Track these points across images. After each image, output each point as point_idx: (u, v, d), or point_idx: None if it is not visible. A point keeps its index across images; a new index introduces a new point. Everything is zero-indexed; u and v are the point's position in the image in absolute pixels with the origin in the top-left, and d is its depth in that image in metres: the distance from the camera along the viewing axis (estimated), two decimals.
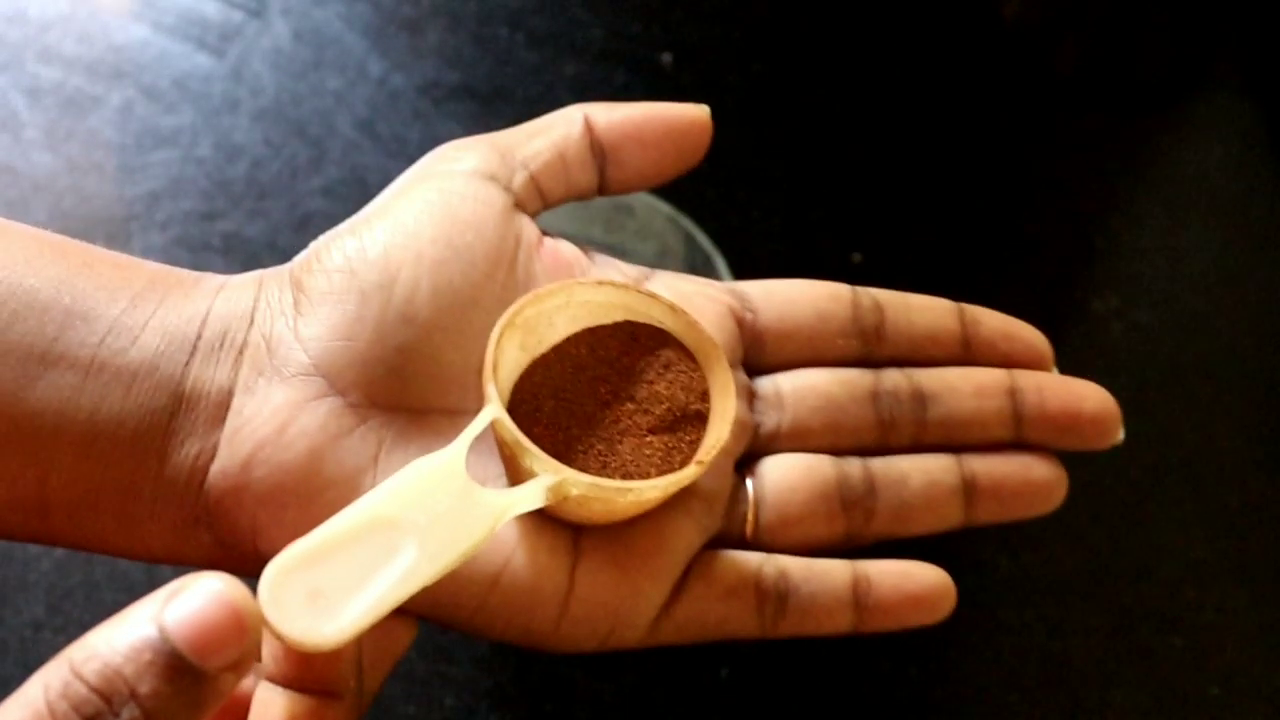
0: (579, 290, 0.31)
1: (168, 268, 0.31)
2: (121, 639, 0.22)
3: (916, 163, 0.60)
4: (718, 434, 0.30)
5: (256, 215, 0.55)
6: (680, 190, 0.51)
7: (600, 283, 0.31)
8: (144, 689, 0.21)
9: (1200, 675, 0.48)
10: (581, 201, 0.45)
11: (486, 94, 0.59)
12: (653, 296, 0.31)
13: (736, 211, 0.57)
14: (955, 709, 0.48)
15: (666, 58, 0.61)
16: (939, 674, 0.48)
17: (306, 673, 0.27)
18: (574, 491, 0.28)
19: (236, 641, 0.22)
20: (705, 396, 0.31)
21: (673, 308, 0.31)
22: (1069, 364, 0.56)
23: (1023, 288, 0.58)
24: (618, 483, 0.29)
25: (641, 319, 0.31)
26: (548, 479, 0.28)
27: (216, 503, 0.28)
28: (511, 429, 0.28)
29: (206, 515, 0.29)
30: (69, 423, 0.28)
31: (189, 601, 0.22)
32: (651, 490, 0.29)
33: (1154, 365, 0.55)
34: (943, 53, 0.63)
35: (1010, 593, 0.49)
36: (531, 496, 0.28)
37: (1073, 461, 0.54)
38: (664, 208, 0.49)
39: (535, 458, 0.28)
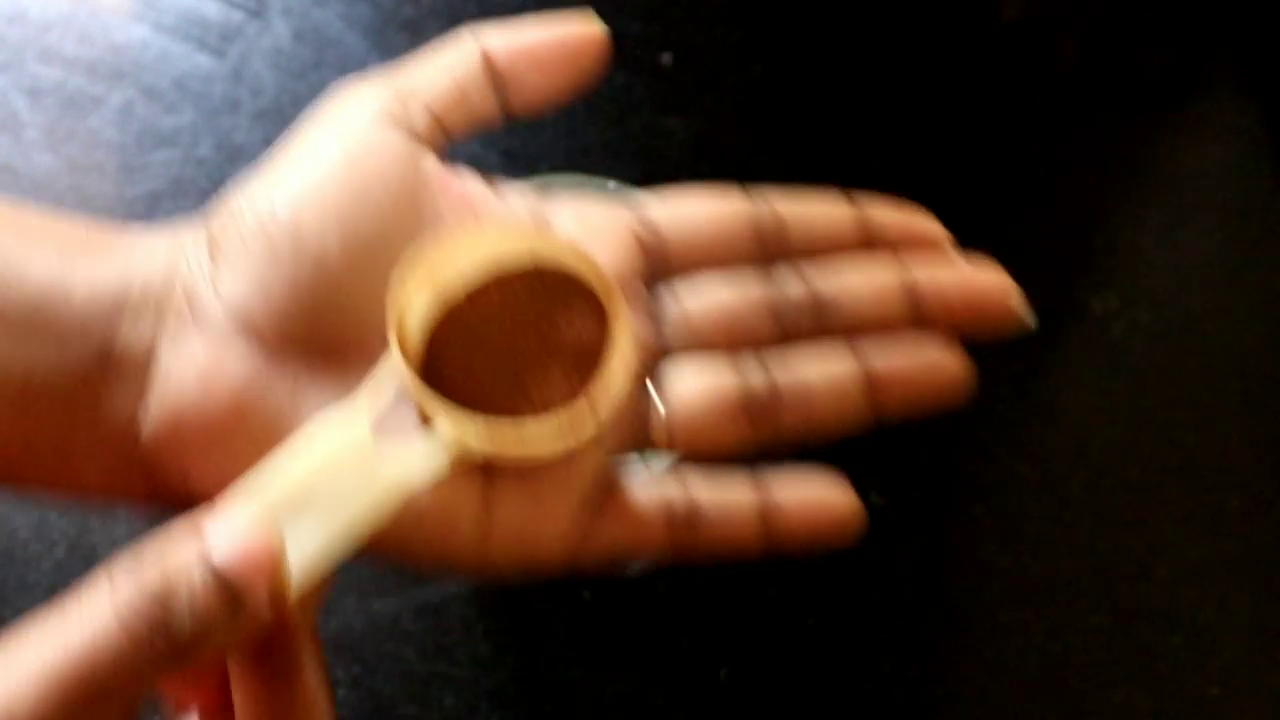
0: (483, 236, 0.31)
1: (92, 225, 0.32)
2: (173, 559, 0.25)
3: (916, 162, 0.60)
4: (617, 385, 0.31)
5: None
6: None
7: (505, 228, 0.32)
8: (198, 605, 0.24)
9: (1200, 675, 0.48)
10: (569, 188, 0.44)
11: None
12: (556, 239, 0.32)
13: None
14: (955, 709, 0.48)
15: (666, 58, 0.61)
16: (939, 674, 0.48)
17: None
18: (477, 454, 0.29)
19: (271, 571, 0.25)
20: (609, 339, 0.31)
21: (575, 250, 0.32)
22: (1069, 364, 0.57)
23: (1023, 287, 0.58)
24: (518, 449, 0.30)
25: (547, 262, 0.32)
26: (446, 452, 0.29)
27: (148, 452, 0.29)
28: (415, 385, 0.29)
29: (139, 463, 0.30)
30: (3, 383, 0.29)
31: (232, 530, 0.25)
32: (550, 451, 0.30)
33: (1154, 365, 0.55)
34: (942, 53, 0.63)
35: (1010, 593, 0.49)
36: (435, 470, 0.29)
37: (1073, 461, 0.54)
38: None
39: (439, 420, 0.29)
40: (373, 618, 0.47)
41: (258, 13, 0.61)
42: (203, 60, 0.59)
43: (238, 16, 0.61)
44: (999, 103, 0.62)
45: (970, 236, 0.61)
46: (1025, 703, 0.47)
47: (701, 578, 0.49)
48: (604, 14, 0.67)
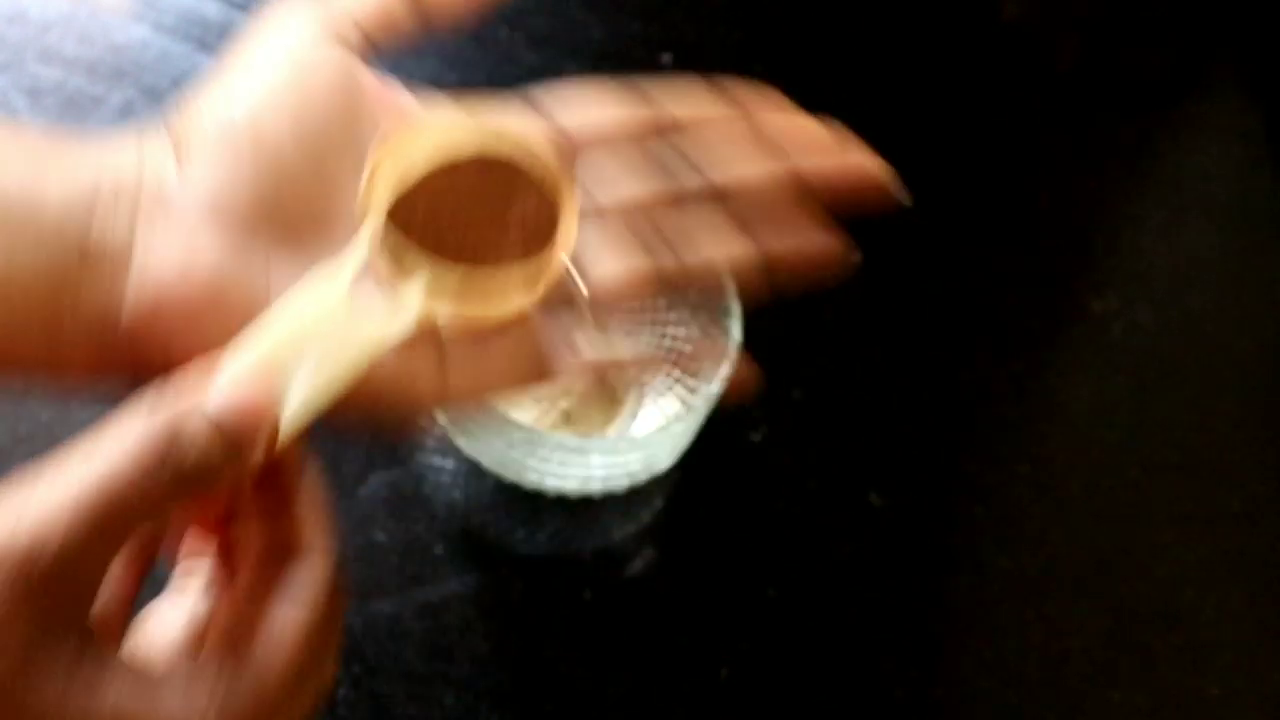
0: (435, 130, 0.35)
1: (55, 133, 0.34)
2: (179, 404, 0.29)
3: (915, 162, 0.60)
4: (567, 249, 0.35)
5: None
6: None
7: (454, 123, 0.35)
8: (200, 444, 0.28)
9: (1200, 675, 0.48)
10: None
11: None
12: (500, 131, 0.35)
13: None
14: (955, 709, 0.48)
15: (666, 58, 0.61)
16: (939, 674, 0.48)
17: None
18: (438, 313, 0.33)
19: (267, 417, 0.30)
20: (554, 218, 0.35)
21: (519, 140, 0.35)
22: (1070, 364, 0.57)
23: (1023, 288, 0.58)
24: (480, 305, 0.34)
25: (493, 153, 0.35)
26: (412, 311, 0.33)
27: (130, 336, 0.32)
28: (395, 241, 0.33)
29: (121, 346, 0.33)
30: None
31: (230, 381, 0.29)
32: (507, 308, 0.34)
33: (1154, 365, 0.55)
34: (942, 53, 0.63)
35: (1010, 593, 0.49)
36: (405, 325, 0.32)
37: (1073, 461, 0.54)
38: None
39: (417, 271, 0.33)
40: (373, 618, 0.47)
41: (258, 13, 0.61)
42: (203, 60, 0.59)
43: (238, 16, 0.61)
44: (999, 103, 0.62)
45: (971, 236, 0.61)
46: (1025, 703, 0.47)
47: (701, 578, 0.49)
48: (604, 14, 0.67)
